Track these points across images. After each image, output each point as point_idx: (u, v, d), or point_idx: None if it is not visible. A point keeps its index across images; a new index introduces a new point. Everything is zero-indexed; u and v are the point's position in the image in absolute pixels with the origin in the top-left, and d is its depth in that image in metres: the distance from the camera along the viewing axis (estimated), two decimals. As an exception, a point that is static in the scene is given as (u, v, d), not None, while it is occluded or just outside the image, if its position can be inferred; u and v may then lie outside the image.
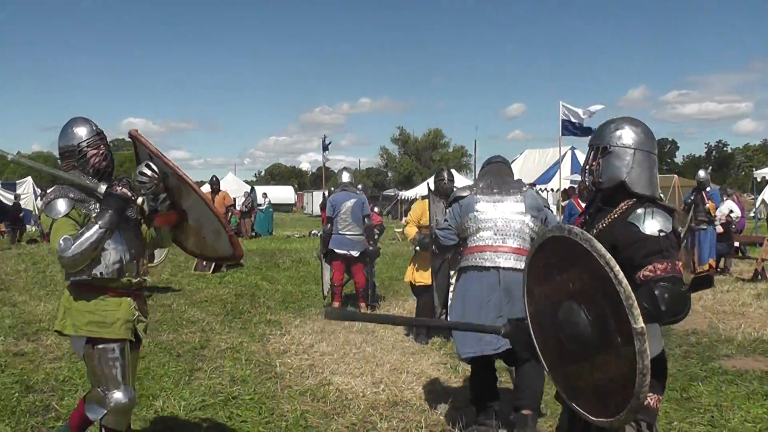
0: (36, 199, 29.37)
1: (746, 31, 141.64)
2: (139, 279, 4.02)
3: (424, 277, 8.11)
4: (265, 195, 31.53)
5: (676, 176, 26.46)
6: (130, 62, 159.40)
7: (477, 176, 5.59)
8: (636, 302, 2.40)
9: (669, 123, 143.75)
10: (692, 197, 12.40)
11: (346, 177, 10.24)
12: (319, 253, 10.41)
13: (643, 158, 3.00)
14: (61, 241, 3.62)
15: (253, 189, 39.79)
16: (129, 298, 3.95)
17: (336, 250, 9.73)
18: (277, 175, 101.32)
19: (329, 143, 26.40)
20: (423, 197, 8.70)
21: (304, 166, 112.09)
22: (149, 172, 3.94)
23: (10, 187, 31.88)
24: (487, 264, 4.86)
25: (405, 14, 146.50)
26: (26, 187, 31.38)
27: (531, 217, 4.99)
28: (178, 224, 4.20)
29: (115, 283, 3.88)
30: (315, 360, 7.14)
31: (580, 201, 13.50)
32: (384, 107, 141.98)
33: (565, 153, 27.76)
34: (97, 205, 3.83)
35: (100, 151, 3.96)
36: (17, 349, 7.47)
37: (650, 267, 2.72)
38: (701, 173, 12.63)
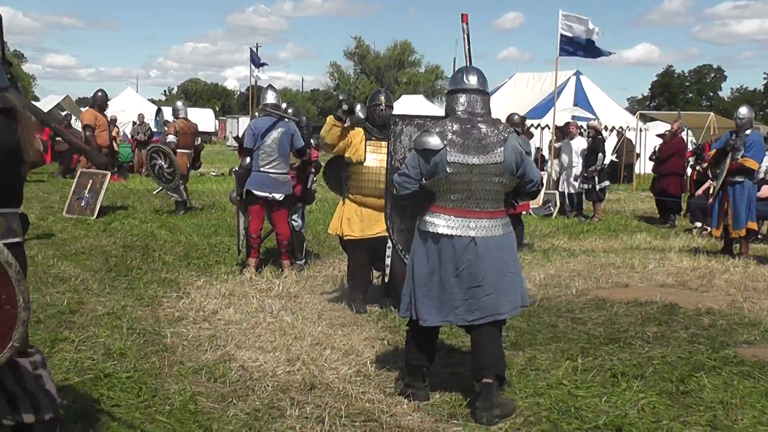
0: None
1: None
2: None
3: (353, 230, 8.19)
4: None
5: (712, 114, 26.73)
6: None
7: (446, 106, 5.68)
8: None
9: (716, 45, 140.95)
10: (731, 141, 12.13)
11: (271, 97, 10.15)
12: (234, 196, 10.37)
13: None
14: None
15: (159, 110, 39.41)
16: None
17: (255, 192, 9.70)
18: (194, 94, 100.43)
19: (263, 64, 26.03)
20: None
21: (231, 83, 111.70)
22: None
23: None
24: (456, 233, 5.32)
25: None
26: None
27: (509, 175, 5.38)
28: None
29: None
30: (218, 330, 7.25)
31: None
32: (338, 11, 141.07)
33: (567, 79, 27.91)
34: None
35: None
36: None
37: None
38: (742, 110, 12.22)
